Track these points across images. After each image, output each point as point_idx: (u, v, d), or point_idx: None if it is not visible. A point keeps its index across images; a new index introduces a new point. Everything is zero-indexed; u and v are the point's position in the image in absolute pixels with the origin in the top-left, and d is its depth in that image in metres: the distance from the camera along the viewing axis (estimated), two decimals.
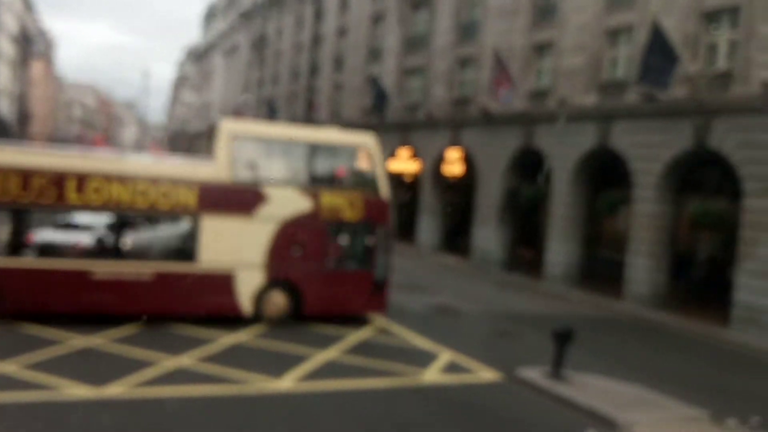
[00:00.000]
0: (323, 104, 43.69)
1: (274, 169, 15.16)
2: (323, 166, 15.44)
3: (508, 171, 27.99)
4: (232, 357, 11.99)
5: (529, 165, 27.42)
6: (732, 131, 19.21)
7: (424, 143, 33.78)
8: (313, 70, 32.07)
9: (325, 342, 13.47)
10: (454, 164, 32.17)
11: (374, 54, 40.01)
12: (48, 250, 14.12)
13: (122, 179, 13.36)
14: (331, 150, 15.64)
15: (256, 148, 15.14)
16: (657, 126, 21.45)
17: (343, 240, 15.38)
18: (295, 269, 14.56)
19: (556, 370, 11.87)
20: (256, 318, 14.35)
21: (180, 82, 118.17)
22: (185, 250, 14.14)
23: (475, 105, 30.06)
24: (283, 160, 15.49)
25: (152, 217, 14.53)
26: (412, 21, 36.95)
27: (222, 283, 14.05)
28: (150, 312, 13.54)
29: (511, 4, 28.43)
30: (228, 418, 9.18)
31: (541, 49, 27.59)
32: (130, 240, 14.28)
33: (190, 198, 13.79)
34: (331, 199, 14.74)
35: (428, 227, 33.31)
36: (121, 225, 13.97)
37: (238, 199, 14.25)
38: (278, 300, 14.54)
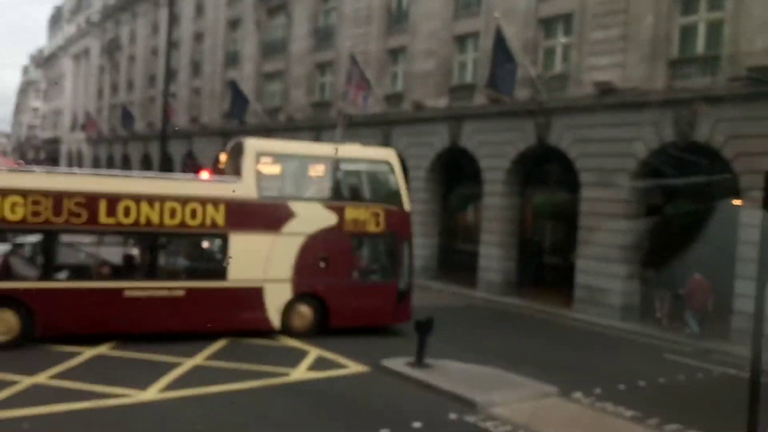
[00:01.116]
0: (181, 110, 42.21)
1: (299, 184, 15.39)
2: (346, 180, 15.54)
3: None
4: (94, 370, 11.27)
5: None
6: (568, 129, 20.59)
7: None
8: (170, 75, 30.89)
9: (193, 348, 12.99)
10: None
11: (232, 59, 39.20)
12: (79, 270, 13.52)
13: (151, 199, 13.23)
14: (354, 164, 15.71)
15: (280, 164, 15.32)
16: (503, 125, 22.58)
17: (368, 252, 15.73)
18: (320, 283, 14.54)
19: (419, 358, 12.19)
20: (284, 331, 14.28)
21: (25, 88, 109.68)
22: (215, 267, 14.04)
23: (335, 108, 30.22)
24: (308, 176, 15.52)
25: (181, 234, 14.05)
26: (269, 26, 36.56)
27: (251, 298, 14.01)
28: (181, 329, 13.36)
29: (365, 10, 28.88)
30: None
31: (395, 54, 28.24)
32: (161, 258, 13.99)
33: (217, 216, 13.69)
34: (354, 212, 14.84)
35: None
36: (152, 244, 13.66)
37: (265, 215, 14.26)
38: (305, 313, 14.50)
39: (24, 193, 12.50)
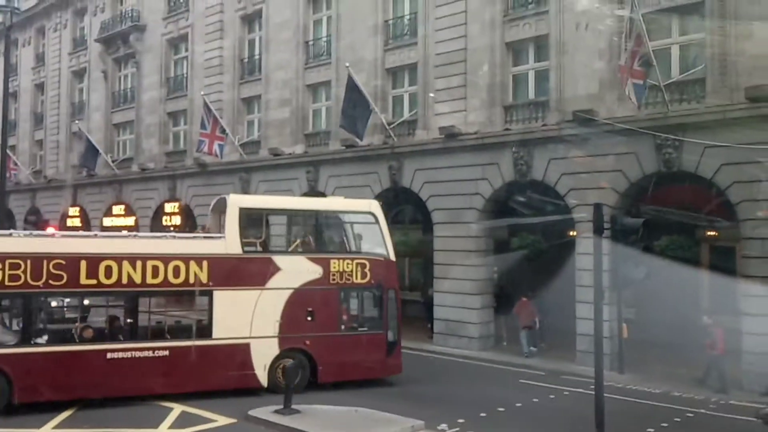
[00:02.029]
0: (24, 163, 39.24)
1: (283, 239, 15.30)
2: (330, 232, 15.33)
3: None
4: None
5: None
6: (419, 171, 21.35)
7: (139, 197, 32.09)
8: (8, 126, 28.77)
9: (43, 416, 11.84)
10: (171, 216, 30.96)
11: (79, 109, 37.18)
12: (60, 333, 13.25)
13: (133, 259, 12.83)
14: (337, 217, 15.48)
15: (264, 219, 15.04)
16: (359, 169, 23.00)
17: (355, 304, 15.21)
18: (308, 337, 14.07)
19: (287, 404, 11.91)
20: (270, 389, 13.58)
21: None
22: (200, 325, 13.68)
23: (190, 156, 29.42)
24: (292, 230, 15.13)
25: (164, 293, 13.86)
26: (118, 76, 35.13)
27: (237, 355, 13.53)
28: (167, 391, 12.82)
29: (217, 59, 28.62)
30: None
31: (250, 102, 28.10)
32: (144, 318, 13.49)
33: (201, 273, 13.28)
34: (340, 264, 14.41)
35: None
36: (134, 304, 13.24)
37: (249, 271, 13.86)
38: None
39: (1, 258, 12.08)
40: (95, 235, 13.70)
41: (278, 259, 14.21)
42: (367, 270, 14.68)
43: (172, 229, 31.28)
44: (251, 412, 12.01)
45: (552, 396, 14.45)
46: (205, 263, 13.40)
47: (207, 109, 25.82)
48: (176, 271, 13.17)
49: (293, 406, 11.94)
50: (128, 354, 12.85)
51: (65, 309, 14.29)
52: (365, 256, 14.90)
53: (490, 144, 19.58)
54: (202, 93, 27.28)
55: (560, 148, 18.10)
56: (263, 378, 13.77)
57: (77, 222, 36.56)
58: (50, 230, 21.92)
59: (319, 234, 15.17)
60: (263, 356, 13.75)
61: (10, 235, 13.64)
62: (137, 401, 13.14)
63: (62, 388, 12.32)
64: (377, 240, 15.10)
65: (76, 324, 13.22)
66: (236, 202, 14.47)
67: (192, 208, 29.31)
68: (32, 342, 12.56)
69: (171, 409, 12.59)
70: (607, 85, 17.50)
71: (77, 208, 36.42)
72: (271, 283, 13.89)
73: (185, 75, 30.81)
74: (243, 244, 13.96)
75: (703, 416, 12.82)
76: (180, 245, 14.11)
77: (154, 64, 32.18)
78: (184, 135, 30.86)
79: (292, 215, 15.81)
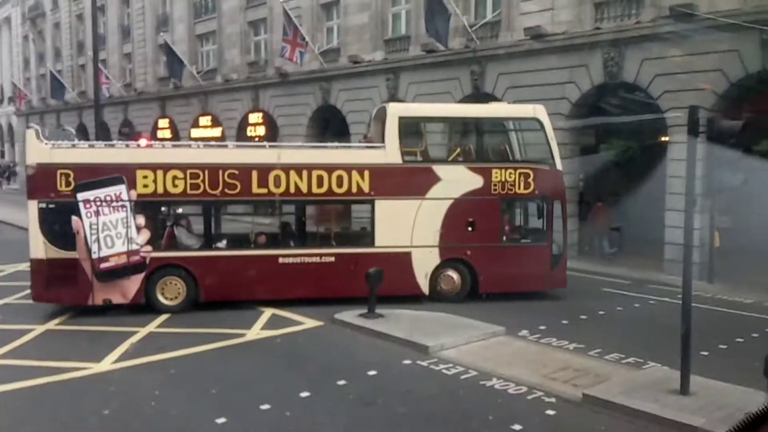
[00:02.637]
0: (114, 76, 40.62)
1: (443, 148, 14.90)
2: (492, 140, 14.72)
3: (309, 128, 28.05)
4: (47, 347, 11.03)
5: (328, 120, 27.72)
6: (503, 76, 20.69)
7: (224, 108, 32.79)
8: (98, 41, 29.61)
9: (146, 318, 12.82)
10: (256, 127, 31.59)
11: (163, 21, 37.73)
12: (237, 239, 14.19)
13: (299, 169, 13.33)
14: (499, 124, 14.94)
15: (424, 128, 14.89)
16: (439, 75, 22.52)
17: (517, 215, 14.89)
18: (468, 247, 14.00)
19: (371, 308, 12.34)
20: (431, 297, 13.99)
21: None
22: (362, 233, 14.32)
23: (271, 66, 29.59)
24: (452, 138, 14.93)
25: (329, 202, 14.37)
26: None
27: (399, 264, 13.69)
28: (333, 295, 13.45)
29: None
30: (51, 405, 8.48)
31: (329, 9, 27.68)
32: (311, 226, 14.35)
33: (363, 183, 13.56)
34: (502, 174, 13.96)
35: None
36: (302, 212, 13.91)
37: (410, 180, 13.86)
38: (453, 279, 14.16)
39: (183, 168, 12.96)
40: (265, 146, 14.12)
41: (438, 169, 14.00)
42: (530, 180, 14.05)
43: (256, 139, 32.02)
44: (337, 316, 12.54)
45: (636, 305, 14.30)
46: (366, 173, 13.56)
47: (287, 16, 25.67)
48: (339, 181, 13.45)
49: (378, 311, 12.38)
50: (298, 259, 13.60)
51: (240, 216, 14.96)
52: (529, 165, 14.24)
53: (578, 44, 18.65)
54: (281, 0, 27.06)
55: (655, 47, 17.04)
56: (424, 286, 14.00)
57: (167, 134, 37.92)
58: (143, 141, 22.86)
59: (479, 142, 14.69)
60: (424, 265, 13.91)
61: (189, 146, 14.41)
62: (229, 306, 13.98)
63: (240, 289, 13.41)
64: (542, 148, 14.30)
65: (252, 231, 14.03)
66: (396, 111, 14.23)
67: (275, 118, 29.76)
68: (213, 246, 13.70)
69: (263, 311, 13.32)
70: None
71: (167, 120, 37.67)
72: (431, 193, 13.79)
73: None
74: (403, 154, 13.86)
75: None
76: (342, 155, 14.45)
77: None
78: (265, 44, 30.94)
79: (452, 123, 15.42)
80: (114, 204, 12.75)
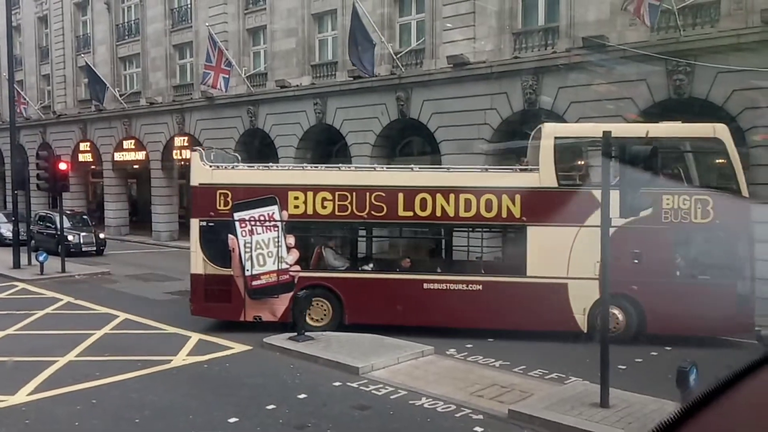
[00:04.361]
0: (31, 98, 39.02)
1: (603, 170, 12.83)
2: (663, 163, 12.19)
3: (236, 152, 27.62)
4: None
5: (256, 144, 27.48)
6: (427, 101, 21.11)
7: (149, 132, 32.00)
8: (14, 61, 28.45)
9: (67, 342, 12.23)
10: (182, 150, 30.94)
11: (84, 43, 36.63)
12: (382, 262, 13.98)
13: (446, 192, 12.74)
14: (673, 145, 12.89)
15: (583, 150, 13.83)
16: (367, 101, 22.76)
17: (694, 248, 12.85)
18: (634, 282, 12.25)
19: (300, 331, 12.21)
20: (590, 336, 11.84)
21: None
22: (513, 261, 13.06)
23: (197, 90, 29.15)
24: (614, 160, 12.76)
25: (477, 227, 13.39)
26: (121, 8, 34.44)
27: (553, 296, 12.45)
28: (479, 325, 12.58)
29: None
30: None
31: (256, 33, 27.58)
32: (457, 251, 13.61)
33: (514, 208, 12.61)
34: (674, 200, 12.20)
35: (163, 215, 31.79)
36: (448, 237, 13.34)
37: (566, 205, 12.44)
38: (616, 316, 12.38)
39: (332, 189, 12.91)
40: (411, 169, 13.43)
41: (599, 194, 12.30)
42: (709, 208, 12.15)
43: (182, 163, 31.35)
44: (266, 339, 12.32)
45: None
46: (517, 197, 12.58)
47: (212, 40, 25.40)
48: (488, 205, 12.65)
49: (307, 333, 12.25)
50: (443, 285, 12.88)
51: (386, 239, 14.59)
52: (707, 191, 12.42)
53: (499, 72, 19.27)
54: (207, 24, 26.79)
55: (570, 75, 17.80)
56: (582, 322, 12.46)
57: (88, 157, 36.63)
58: (62, 166, 22.03)
59: (649, 163, 12.79)
60: (582, 299, 12.38)
61: (338, 168, 14.16)
62: (152, 331, 13.53)
63: (383, 313, 12.95)
64: (724, 171, 12.65)
65: (396, 254, 13.81)
66: (551, 131, 13.06)
67: (201, 141, 29.23)
68: (359, 268, 13.45)
69: (190, 336, 12.95)
70: (618, 9, 17.04)
71: (88, 143, 36.41)
72: (590, 220, 11.70)
73: (189, 5, 30.18)
74: (559, 177, 12.65)
75: None
76: (492, 178, 13.40)
77: None
78: (191, 68, 30.49)
79: (615, 143, 13.88)
80: (267, 224, 13.02)
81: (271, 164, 15.47)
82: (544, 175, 12.63)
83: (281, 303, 13.16)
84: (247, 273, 13.09)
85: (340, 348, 11.71)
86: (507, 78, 19.11)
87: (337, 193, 12.99)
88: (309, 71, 25.08)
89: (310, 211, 13.02)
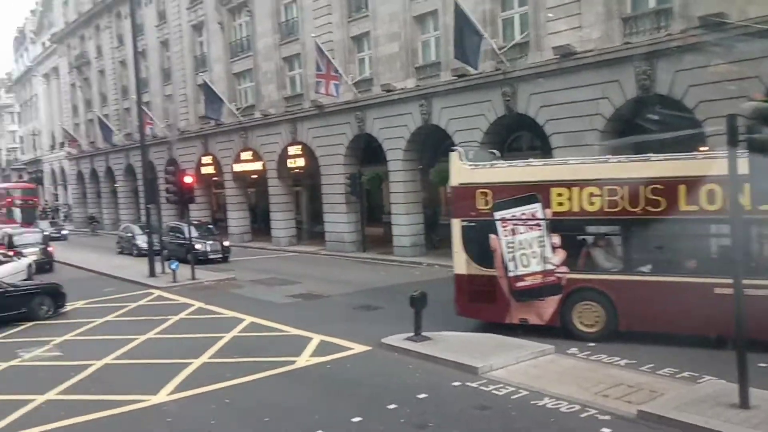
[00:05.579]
0: (157, 117, 41.68)
1: None
2: None
3: (346, 157, 28.28)
4: (103, 380, 11.21)
5: (365, 148, 27.97)
6: (534, 95, 20.60)
7: (264, 142, 33.28)
8: (141, 84, 30.54)
9: (200, 345, 12.95)
10: (296, 158, 31.99)
11: (201, 62, 38.68)
12: (659, 263, 11.92)
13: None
14: None
15: None
16: (472, 99, 22.52)
17: None
18: None
19: (418, 332, 12.23)
20: None
21: None
22: None
23: (307, 99, 30.01)
24: None
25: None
26: (233, 26, 36.06)
27: None
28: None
29: (325, 1, 28.57)
30: None
31: (360, 40, 28.01)
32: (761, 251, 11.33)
33: None
34: None
35: (281, 222, 32.98)
36: (747, 234, 10.51)
37: None
38: None
39: (600, 184, 11.84)
40: (693, 157, 11.64)
41: None
42: None
43: (296, 171, 32.41)
44: (384, 340, 12.46)
45: None
46: None
47: (319, 50, 26.10)
48: None
49: (424, 334, 12.27)
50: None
51: (667, 237, 12.17)
52: None
53: (609, 60, 18.49)
54: (313, 35, 27.54)
55: (686, 58, 16.78)
56: None
57: (211, 169, 38.63)
58: (188, 179, 23.36)
59: None
60: None
61: (606, 161, 12.72)
62: (277, 333, 14.03)
63: (664, 321, 11.47)
64: None
65: (679, 254, 11.95)
66: None
67: (313, 148, 30.08)
68: (634, 270, 11.93)
69: (311, 338, 13.32)
70: None
71: (210, 157, 38.40)
72: None
73: (296, 18, 31.11)
74: None
75: None
76: None
77: (265, 10, 32.69)
78: (300, 78, 31.41)
79: None
80: (529, 222, 12.46)
81: (531, 160, 14.35)
82: None
83: (548, 306, 12.40)
84: (511, 274, 12.63)
85: (458, 348, 11.64)
86: (618, 65, 18.30)
87: (605, 188, 11.74)
88: (413, 73, 25.16)
89: (576, 208, 11.98)
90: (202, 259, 26.06)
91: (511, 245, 12.58)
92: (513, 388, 9.68)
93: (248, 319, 15.56)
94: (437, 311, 13.46)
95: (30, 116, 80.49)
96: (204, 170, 38.87)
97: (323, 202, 29.81)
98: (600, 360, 10.95)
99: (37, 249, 27.65)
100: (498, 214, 12.65)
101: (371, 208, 31.41)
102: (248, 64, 34.64)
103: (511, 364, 10.75)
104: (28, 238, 29.11)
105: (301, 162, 31.88)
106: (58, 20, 59.87)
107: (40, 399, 10.33)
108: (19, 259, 24.54)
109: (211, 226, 31.46)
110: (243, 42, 35.25)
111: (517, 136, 23.64)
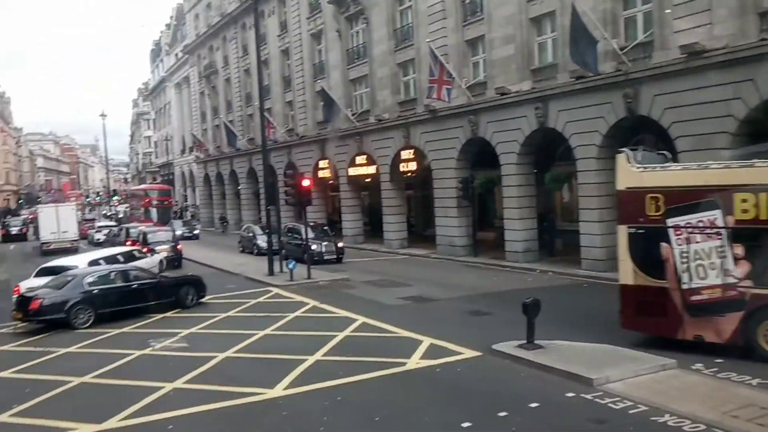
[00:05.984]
0: (278, 122, 43.42)
1: None
2: None
3: (459, 161, 28.17)
4: (222, 373, 11.81)
5: (477, 153, 27.72)
6: (658, 96, 19.57)
7: (378, 147, 33.80)
8: (264, 91, 32.02)
9: (314, 343, 13.34)
10: (408, 162, 32.25)
11: (320, 69, 39.89)
12: None
13: None
14: None
15: None
16: (590, 101, 21.75)
17: None
18: None
19: (530, 339, 11.95)
20: None
21: (137, 120, 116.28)
22: None
23: (420, 104, 30.18)
24: None
25: None
26: (350, 34, 36.91)
27: None
28: None
29: (440, 5, 28.60)
30: (231, 429, 9.02)
31: (474, 44, 27.81)
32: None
33: None
34: None
35: (393, 225, 33.36)
36: None
37: None
38: None
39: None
40: None
41: None
42: None
43: (408, 175, 32.68)
44: (495, 346, 12.27)
45: None
46: None
47: (433, 55, 26.15)
48: None
49: (536, 342, 11.98)
50: None
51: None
52: None
53: (742, 58, 17.23)
54: (427, 40, 27.64)
55: None
56: None
57: (327, 173, 39.75)
58: (305, 182, 24.15)
59: None
60: None
61: (752, 165, 11.33)
62: (387, 335, 14.18)
63: None
64: None
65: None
66: None
67: (426, 153, 30.20)
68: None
69: (421, 341, 13.36)
70: None
71: (326, 161, 39.52)
72: None
73: (411, 24, 31.38)
74: None
75: None
76: None
77: (381, 17, 33.21)
78: (414, 83, 31.63)
79: None
80: (707, 231, 11.33)
81: (709, 162, 13.02)
82: None
83: (729, 322, 11.17)
84: (685, 286, 11.52)
85: (572, 358, 11.26)
86: (752, 63, 17.01)
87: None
88: (528, 76, 24.66)
89: (763, 216, 10.67)
90: (317, 260, 26.79)
91: (685, 255, 11.49)
92: (631, 402, 9.24)
93: (360, 319, 15.85)
94: (550, 319, 13.09)
95: (163, 123, 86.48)
96: (320, 174, 40.05)
97: (435, 206, 29.85)
98: (729, 378, 10.21)
99: (167, 246, 29.81)
100: (671, 221, 11.59)
101: (483, 213, 31.13)
102: (364, 70, 35.33)
103: (629, 377, 10.26)
104: (160, 236, 31.54)
105: (413, 166, 32.10)
106: (189, 33, 63.86)
107: (168, 386, 11.05)
108: (152, 255, 26.49)
109: (326, 228, 32.32)
110: (359, 49, 35.99)
111: (638, 138, 22.55)
